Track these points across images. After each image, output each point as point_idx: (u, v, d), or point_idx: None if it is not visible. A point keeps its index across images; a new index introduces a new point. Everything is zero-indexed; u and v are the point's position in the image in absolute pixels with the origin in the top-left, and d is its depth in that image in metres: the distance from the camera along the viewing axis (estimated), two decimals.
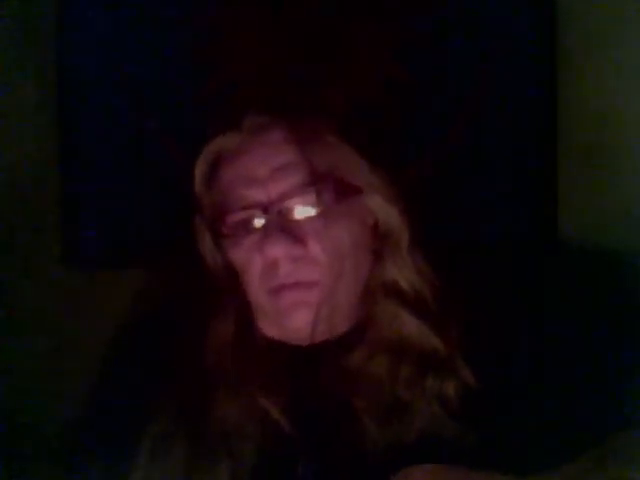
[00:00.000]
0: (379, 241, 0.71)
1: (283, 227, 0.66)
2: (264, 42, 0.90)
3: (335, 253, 0.67)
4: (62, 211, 0.91)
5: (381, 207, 0.70)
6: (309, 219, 0.67)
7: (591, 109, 0.91)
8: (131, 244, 0.91)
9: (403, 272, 0.70)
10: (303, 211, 0.67)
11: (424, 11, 0.91)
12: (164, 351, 0.74)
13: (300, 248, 0.66)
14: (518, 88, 0.92)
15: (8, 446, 0.86)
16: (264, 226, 0.67)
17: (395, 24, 0.90)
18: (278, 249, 0.65)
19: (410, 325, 0.68)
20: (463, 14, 0.91)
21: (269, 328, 0.70)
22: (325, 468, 0.63)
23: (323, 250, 0.66)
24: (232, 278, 0.71)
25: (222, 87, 0.90)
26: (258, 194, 0.67)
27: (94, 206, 0.91)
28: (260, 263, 0.67)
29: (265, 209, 0.67)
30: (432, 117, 0.91)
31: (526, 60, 0.91)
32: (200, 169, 0.73)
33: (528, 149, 0.92)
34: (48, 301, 0.90)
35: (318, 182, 0.66)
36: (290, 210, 0.67)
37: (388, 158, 0.72)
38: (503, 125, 0.92)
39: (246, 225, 0.68)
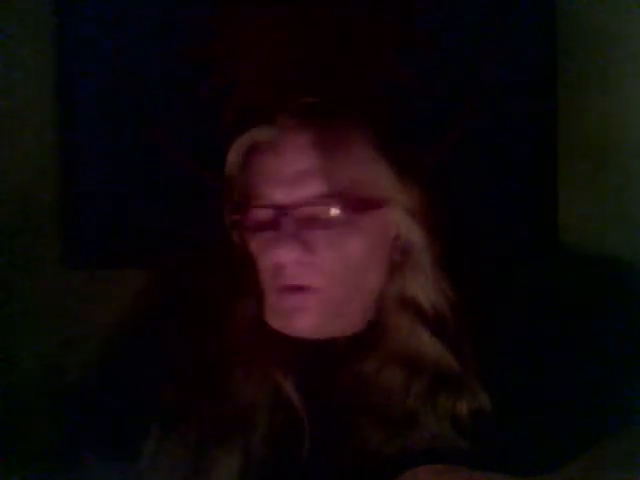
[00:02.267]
0: (400, 254, 0.70)
1: (295, 232, 0.66)
2: (264, 42, 0.90)
3: (344, 263, 0.67)
4: (62, 211, 0.90)
5: (403, 222, 0.70)
6: (323, 227, 0.66)
7: (591, 109, 0.91)
8: (131, 244, 0.91)
9: (424, 290, 0.70)
10: (318, 218, 0.66)
11: (425, 11, 0.91)
12: (165, 348, 0.74)
13: (309, 255, 0.66)
14: (518, 88, 0.92)
15: (8, 446, 0.86)
16: (277, 228, 0.66)
17: (395, 24, 0.91)
18: (286, 255, 0.65)
19: (427, 342, 0.68)
20: (464, 14, 0.91)
21: (273, 321, 0.70)
22: (330, 448, 0.64)
23: (331, 260, 0.66)
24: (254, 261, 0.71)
25: (222, 87, 0.90)
26: (279, 194, 0.67)
27: (94, 206, 0.91)
28: (269, 262, 0.67)
29: (282, 210, 0.66)
30: (431, 118, 0.91)
31: (526, 60, 0.91)
32: (232, 157, 0.72)
33: (528, 149, 0.92)
34: (48, 301, 0.90)
35: (336, 194, 0.66)
36: (306, 216, 0.66)
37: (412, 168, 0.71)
38: (503, 125, 0.92)
39: (263, 222, 0.68)
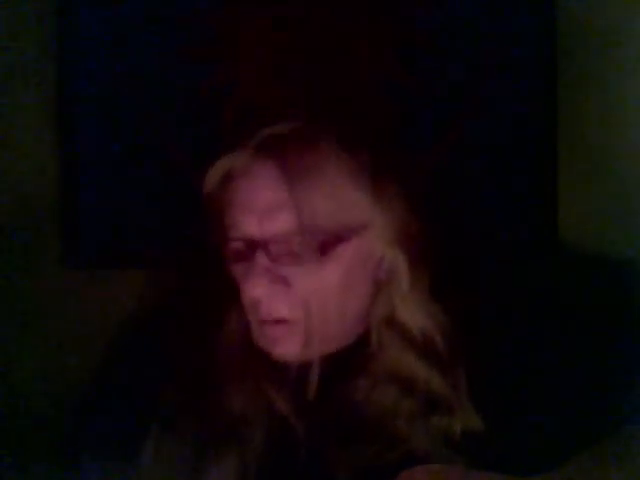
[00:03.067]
0: (385, 273, 0.69)
1: (267, 267, 0.65)
2: (264, 42, 0.90)
3: (321, 294, 0.65)
4: (62, 211, 0.90)
5: (383, 246, 0.68)
6: (297, 260, 0.65)
7: (591, 109, 0.91)
8: (131, 244, 0.91)
9: (413, 315, 0.69)
10: (292, 252, 0.65)
11: (425, 11, 0.91)
12: (165, 349, 0.74)
13: (282, 288, 0.65)
14: (518, 88, 0.92)
15: (8, 446, 0.86)
16: (250, 261, 0.66)
17: (395, 24, 0.91)
18: (258, 290, 0.65)
19: (418, 368, 0.68)
20: (463, 14, 0.91)
21: (259, 344, 0.70)
22: (326, 461, 0.64)
23: (308, 292, 0.65)
24: None
25: (222, 87, 0.90)
26: (252, 226, 0.66)
27: (94, 206, 0.91)
28: (245, 295, 0.67)
29: (255, 244, 0.66)
30: (431, 118, 0.91)
31: (526, 60, 0.91)
32: (209, 185, 0.71)
33: (528, 149, 0.92)
34: (48, 301, 0.90)
35: (309, 228, 0.64)
36: (279, 249, 0.65)
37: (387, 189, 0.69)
38: (503, 125, 0.92)
39: (239, 253, 0.67)
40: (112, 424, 0.71)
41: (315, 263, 0.65)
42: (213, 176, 0.71)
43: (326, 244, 0.65)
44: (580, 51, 0.91)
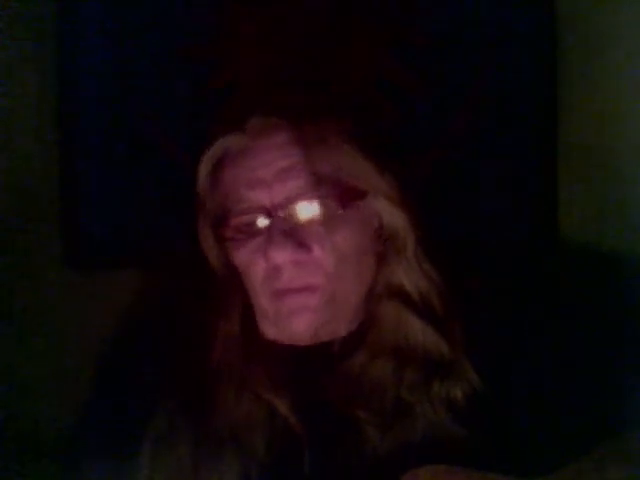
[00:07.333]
0: (384, 243, 0.70)
1: (286, 231, 0.65)
2: (264, 42, 0.90)
3: (339, 257, 0.66)
4: (62, 211, 0.90)
5: (386, 210, 0.69)
6: (313, 223, 0.66)
7: (591, 109, 0.91)
8: (131, 244, 0.91)
9: (409, 275, 0.69)
10: (307, 215, 0.66)
11: (424, 11, 0.91)
12: (165, 350, 0.74)
13: (304, 252, 0.65)
14: (518, 88, 0.92)
15: (8, 446, 0.86)
16: (267, 230, 0.66)
17: (395, 24, 0.91)
18: (282, 255, 0.65)
19: (415, 328, 0.68)
20: (463, 14, 0.91)
21: (269, 330, 0.69)
22: (331, 464, 0.64)
23: (327, 254, 0.66)
24: (235, 278, 0.71)
25: (222, 87, 0.90)
26: (262, 197, 0.66)
27: (94, 206, 0.91)
28: (263, 266, 0.67)
29: (268, 212, 0.66)
30: (432, 117, 0.91)
31: (526, 60, 0.91)
32: (203, 170, 0.71)
33: (528, 149, 0.92)
34: (48, 301, 0.90)
35: (322, 186, 0.65)
36: (294, 213, 0.66)
37: (390, 159, 0.71)
38: (503, 125, 0.92)
39: (249, 227, 0.68)
40: (112, 425, 0.71)
41: (329, 224, 0.65)
42: (208, 162, 0.71)
43: (338, 201, 0.66)
44: (580, 51, 0.91)
